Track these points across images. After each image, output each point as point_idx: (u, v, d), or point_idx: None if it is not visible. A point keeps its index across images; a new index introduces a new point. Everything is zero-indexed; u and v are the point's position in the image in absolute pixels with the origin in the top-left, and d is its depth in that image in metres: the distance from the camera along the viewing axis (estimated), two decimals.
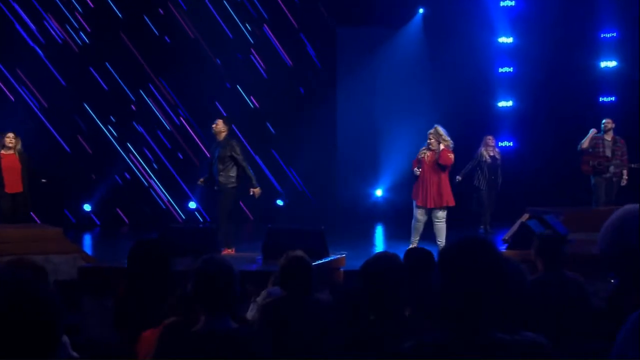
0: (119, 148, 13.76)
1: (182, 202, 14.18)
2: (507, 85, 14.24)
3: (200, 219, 13.92)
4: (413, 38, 14.55)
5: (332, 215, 13.31)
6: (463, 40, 13.78)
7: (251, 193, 9.35)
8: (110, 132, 13.71)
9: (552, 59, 13.43)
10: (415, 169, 9.40)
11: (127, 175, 13.82)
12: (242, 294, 4.16)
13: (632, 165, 11.11)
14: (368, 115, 14.43)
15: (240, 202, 14.07)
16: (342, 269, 7.64)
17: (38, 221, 11.56)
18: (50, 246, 7.97)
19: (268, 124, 14.29)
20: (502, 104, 14.32)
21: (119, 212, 13.65)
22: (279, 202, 14.59)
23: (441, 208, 9.28)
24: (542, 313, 4.12)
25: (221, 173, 9.23)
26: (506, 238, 9.38)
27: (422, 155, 9.39)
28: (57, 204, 13.14)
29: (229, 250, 8.97)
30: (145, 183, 13.88)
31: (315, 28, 14.34)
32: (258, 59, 14.12)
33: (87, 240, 12.40)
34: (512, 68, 14.24)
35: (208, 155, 9.75)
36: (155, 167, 13.95)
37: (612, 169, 11.07)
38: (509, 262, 2.31)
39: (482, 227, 11.87)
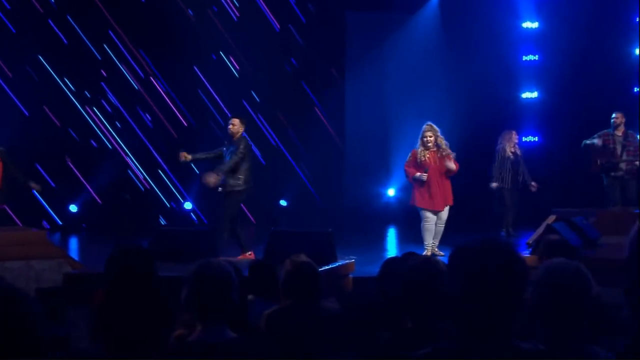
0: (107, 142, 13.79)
1: (175, 203, 14.20)
2: (531, 74, 14.21)
3: (196, 220, 13.94)
4: (428, 23, 14.52)
5: (340, 216, 13.30)
6: (483, 26, 13.75)
7: (208, 177, 9.29)
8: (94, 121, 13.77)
9: (582, 46, 13.38)
10: (420, 174, 9.49)
11: (117, 173, 13.85)
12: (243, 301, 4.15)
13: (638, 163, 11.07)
14: (379, 108, 14.41)
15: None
16: (351, 276, 7.63)
17: (19, 223, 11.59)
18: (33, 250, 7.96)
19: (264, 120, 14.27)
20: (526, 95, 14.29)
21: (107, 213, 13.68)
22: (283, 203, 14.60)
23: (446, 209, 9.61)
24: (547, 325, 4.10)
25: (229, 175, 9.29)
26: (530, 242, 9.35)
27: (424, 158, 9.50)
28: (41, 204, 13.17)
29: (247, 254, 9.02)
30: (141, 185, 13.89)
31: (323, 12, 14.33)
32: (256, 45, 14.10)
33: (74, 244, 12.43)
34: (537, 56, 14.20)
35: (213, 150, 9.74)
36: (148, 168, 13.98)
37: (622, 165, 11.07)
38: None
39: (504, 229, 11.84)
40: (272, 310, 4.19)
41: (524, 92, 14.28)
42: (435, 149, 9.54)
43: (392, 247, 11.99)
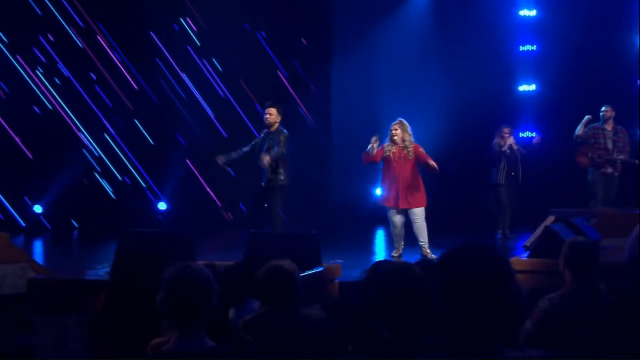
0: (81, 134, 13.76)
1: (149, 202, 14.17)
2: (529, 66, 14.28)
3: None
4: (420, 11, 14.57)
5: (326, 217, 13.32)
6: (478, 14, 13.81)
7: (263, 158, 9.41)
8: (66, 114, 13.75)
9: (583, 36, 13.46)
10: (371, 146, 9.73)
11: (85, 171, 13.80)
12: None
13: (637, 161, 11.26)
14: (368, 100, 14.43)
15: (219, 203, 14.12)
16: (337, 281, 7.65)
17: None
18: None
19: (242, 113, 14.26)
20: (523, 88, 14.36)
21: (74, 214, 13.65)
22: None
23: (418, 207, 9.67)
24: (572, 332, 4.14)
25: (271, 168, 9.43)
26: (528, 244, 9.40)
27: (389, 153, 9.68)
28: (3, 204, 13.11)
29: None
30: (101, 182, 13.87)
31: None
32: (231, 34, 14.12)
33: (38, 247, 12.38)
34: (535, 46, 14.27)
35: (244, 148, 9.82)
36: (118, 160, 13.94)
37: (610, 169, 11.32)
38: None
39: (499, 231, 11.89)
40: (249, 317, 4.20)
41: (521, 84, 14.35)
42: (402, 145, 9.68)
43: (380, 250, 12.01)
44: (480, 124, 13.10)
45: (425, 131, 13.03)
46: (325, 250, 7.90)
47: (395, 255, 9.71)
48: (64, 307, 6.21)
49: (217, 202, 14.16)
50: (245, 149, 9.80)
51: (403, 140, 9.70)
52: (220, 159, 9.78)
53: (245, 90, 14.08)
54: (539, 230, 9.00)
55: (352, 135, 14.40)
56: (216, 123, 14.14)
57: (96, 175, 13.87)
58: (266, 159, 9.37)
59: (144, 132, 13.97)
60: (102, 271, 7.10)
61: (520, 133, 13.77)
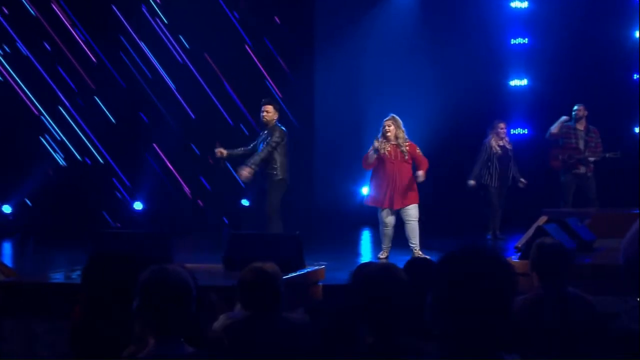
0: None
1: (122, 202, 14.13)
2: (521, 60, 14.32)
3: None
4: (408, 1, 14.59)
5: (309, 217, 13.32)
6: (467, 6, 13.85)
7: (241, 170, 9.59)
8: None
9: (577, 28, 13.52)
10: (371, 148, 9.67)
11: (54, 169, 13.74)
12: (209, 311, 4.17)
13: (607, 155, 11.45)
14: (352, 96, 14.44)
15: (199, 201, 14.09)
16: (320, 284, 7.65)
17: None
18: None
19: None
20: (514, 82, 14.41)
21: (45, 214, 13.58)
22: (244, 202, 14.58)
23: (412, 205, 9.71)
24: (536, 337, 4.15)
25: (270, 165, 9.55)
26: (519, 245, 9.46)
27: (384, 151, 9.67)
28: None
29: None
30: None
31: None
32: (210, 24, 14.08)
33: (7, 250, 12.31)
34: (527, 39, 14.32)
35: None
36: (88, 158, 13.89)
37: (582, 169, 11.50)
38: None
39: (490, 232, 11.93)
40: (228, 322, 4.20)
41: (512, 79, 14.40)
42: (395, 143, 9.71)
43: (366, 252, 12.03)
44: (470, 120, 13.15)
45: (413, 128, 13.04)
46: (308, 252, 7.91)
47: (383, 257, 9.74)
48: (33, 312, 6.18)
49: (185, 187, 14.08)
50: (249, 148, 9.86)
51: (396, 138, 9.72)
52: (220, 151, 9.80)
53: (215, 69, 14.03)
54: (530, 231, 9.06)
55: (336, 132, 14.43)
56: (184, 104, 14.06)
57: (60, 160, 13.75)
58: (244, 173, 9.53)
59: (106, 111, 13.86)
60: (75, 274, 7.08)
61: (512, 130, 13.81)
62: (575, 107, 11.74)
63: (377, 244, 12.60)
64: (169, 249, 7.95)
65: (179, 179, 14.14)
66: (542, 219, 9.43)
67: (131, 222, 13.75)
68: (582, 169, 11.64)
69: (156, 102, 13.91)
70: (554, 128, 11.75)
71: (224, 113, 14.12)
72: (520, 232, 10.48)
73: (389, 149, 9.70)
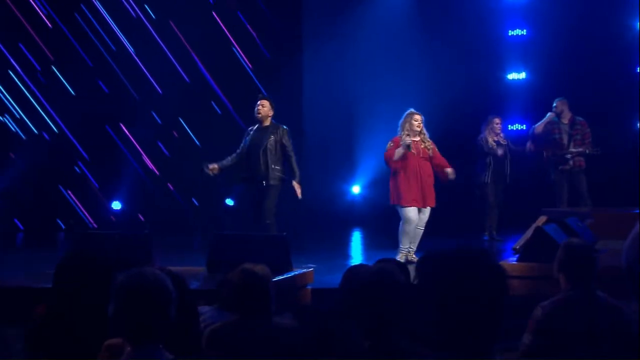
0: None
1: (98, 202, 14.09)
2: (518, 52, 14.34)
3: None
4: None
5: (297, 218, 13.30)
6: None
7: (296, 189, 9.90)
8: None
9: (576, 19, 13.54)
10: (403, 142, 9.63)
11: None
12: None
13: (587, 151, 11.48)
14: (342, 92, 14.43)
15: (192, 201, 14.06)
16: (309, 287, 7.66)
17: None
18: None
19: (213, 103, 14.23)
20: (512, 76, 14.43)
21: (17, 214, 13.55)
22: (229, 202, 14.56)
23: (427, 210, 9.83)
24: (566, 340, 4.16)
25: (271, 166, 9.55)
26: (517, 247, 9.47)
27: (414, 149, 9.66)
28: None
29: None
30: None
31: None
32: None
33: None
34: (525, 30, 14.34)
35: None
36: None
37: (568, 165, 11.53)
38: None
39: (486, 233, 11.95)
40: (215, 326, 4.20)
41: (510, 72, 14.42)
42: (418, 139, 9.78)
43: (357, 254, 12.03)
44: (465, 115, 13.14)
45: None
46: (296, 254, 7.90)
47: (412, 259, 9.65)
48: (4, 318, 6.15)
49: (154, 169, 14.04)
50: (237, 155, 9.81)
51: (420, 134, 9.81)
52: (213, 167, 9.73)
53: (197, 61, 14.01)
54: (529, 232, 9.07)
55: (325, 128, 14.42)
56: (151, 79, 14.01)
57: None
58: (299, 191, 9.92)
59: (65, 83, 13.79)
60: (44, 277, 7.05)
61: (509, 125, 13.83)
62: (554, 103, 11.80)
63: (368, 245, 12.62)
64: (149, 250, 7.94)
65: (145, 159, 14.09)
66: (542, 219, 9.43)
67: (109, 223, 13.73)
68: (568, 165, 11.66)
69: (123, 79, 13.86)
70: (539, 125, 11.79)
71: (215, 107, 14.10)
72: (518, 233, 10.48)
73: (412, 144, 9.74)
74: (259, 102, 9.78)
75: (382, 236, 12.59)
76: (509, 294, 2.16)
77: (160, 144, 13.99)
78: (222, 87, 14.13)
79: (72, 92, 13.76)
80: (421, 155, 9.78)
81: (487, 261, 2.16)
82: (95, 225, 13.76)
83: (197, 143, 13.81)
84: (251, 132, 9.80)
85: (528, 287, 6.87)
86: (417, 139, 9.79)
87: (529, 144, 11.93)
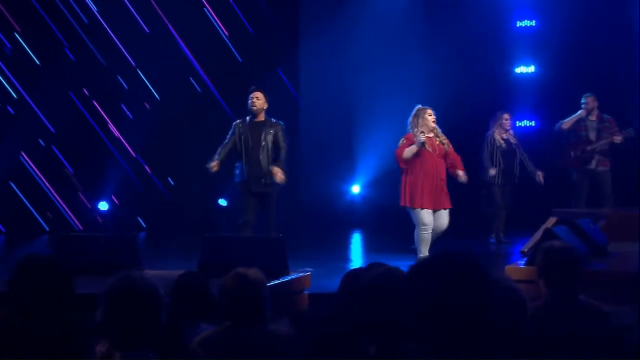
0: None
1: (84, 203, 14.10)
2: (527, 44, 14.34)
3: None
4: None
5: (294, 219, 13.31)
6: None
7: (277, 174, 9.68)
8: None
9: (589, 9, 13.54)
10: (415, 137, 9.56)
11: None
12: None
13: (618, 140, 11.45)
14: (341, 87, 14.44)
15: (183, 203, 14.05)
16: (306, 292, 7.66)
17: None
18: None
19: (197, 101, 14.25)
20: (520, 70, 14.43)
21: None
22: (222, 202, 14.57)
23: (446, 212, 9.71)
24: (543, 350, 4.17)
25: (272, 165, 9.63)
26: (525, 250, 9.47)
27: (429, 147, 9.58)
28: None
29: None
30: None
31: None
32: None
33: None
34: (534, 21, 14.34)
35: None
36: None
37: (594, 163, 11.53)
38: (502, 283, 2.49)
39: (493, 235, 11.96)
40: (206, 333, 4.20)
41: (518, 66, 14.42)
42: (433, 136, 9.75)
43: (356, 257, 12.04)
44: (471, 111, 13.14)
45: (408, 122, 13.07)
46: (292, 257, 7.91)
47: None
48: None
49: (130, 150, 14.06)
50: (229, 144, 9.81)
51: (433, 129, 9.76)
52: (214, 164, 9.75)
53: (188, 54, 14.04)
54: (538, 234, 9.07)
55: (323, 126, 14.42)
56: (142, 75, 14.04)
57: None
58: (281, 177, 9.66)
59: (29, 52, 13.79)
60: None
61: (518, 122, 13.83)
62: (583, 99, 11.76)
63: (368, 248, 12.62)
64: (137, 253, 7.95)
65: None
66: (551, 221, 9.44)
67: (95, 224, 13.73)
68: (593, 164, 11.66)
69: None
70: (567, 121, 11.74)
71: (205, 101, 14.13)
72: (526, 235, 10.48)
73: (427, 141, 9.68)
74: (252, 95, 9.75)
75: (383, 238, 12.62)
76: (494, 294, 2.19)
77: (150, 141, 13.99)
78: (214, 80, 14.13)
79: (37, 63, 13.71)
80: (436, 153, 9.70)
81: (468, 263, 2.18)
82: (80, 227, 13.77)
83: (192, 141, 13.77)
84: (242, 127, 9.75)
85: (536, 292, 6.87)
86: (431, 135, 9.75)
87: (539, 175, 11.85)
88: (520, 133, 12.85)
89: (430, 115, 9.74)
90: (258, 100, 9.72)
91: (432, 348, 2.16)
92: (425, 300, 2.18)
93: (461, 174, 9.80)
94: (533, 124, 14.27)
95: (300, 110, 14.70)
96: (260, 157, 9.66)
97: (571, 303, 4.57)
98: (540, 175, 11.84)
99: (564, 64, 13.83)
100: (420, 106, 9.91)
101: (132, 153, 14.03)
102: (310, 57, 14.57)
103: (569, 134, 11.78)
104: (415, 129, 9.68)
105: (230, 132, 9.85)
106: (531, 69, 14.42)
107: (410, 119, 9.83)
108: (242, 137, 9.73)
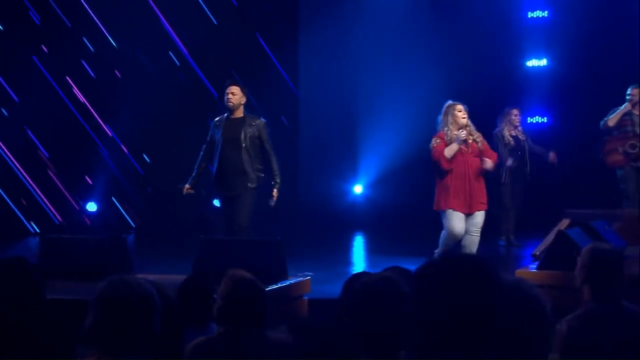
0: None
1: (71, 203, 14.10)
2: (539, 36, 14.34)
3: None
4: None
5: (293, 220, 13.32)
6: None
7: (274, 195, 9.54)
8: None
9: None
10: (456, 135, 9.40)
11: None
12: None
13: None
14: (342, 81, 14.43)
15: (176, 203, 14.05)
16: (306, 297, 7.67)
17: None
18: None
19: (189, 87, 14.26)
20: (532, 63, 14.43)
21: None
22: (217, 203, 14.56)
23: (481, 214, 9.54)
24: (595, 357, 4.16)
25: (249, 167, 9.31)
26: (537, 253, 9.49)
27: (463, 148, 9.42)
28: None
29: None
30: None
31: None
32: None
33: None
34: (546, 12, 14.33)
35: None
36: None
37: None
38: (520, 287, 2.49)
39: (502, 237, 11.95)
40: (199, 340, 4.20)
41: (530, 59, 14.42)
42: (475, 139, 9.55)
43: (359, 260, 12.05)
44: (481, 108, 13.06)
45: (413, 118, 13.07)
46: (291, 260, 7.92)
47: None
48: None
49: (109, 131, 14.05)
50: (204, 162, 9.58)
51: (467, 126, 9.54)
52: (187, 188, 9.53)
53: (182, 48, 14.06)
54: (550, 237, 9.09)
55: (323, 122, 14.42)
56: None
57: None
58: (276, 193, 9.53)
59: None
60: None
61: (529, 118, 13.83)
62: (629, 91, 11.57)
63: (372, 251, 12.62)
64: (127, 256, 7.96)
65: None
66: (564, 222, 9.45)
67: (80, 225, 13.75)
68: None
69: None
70: (613, 117, 11.55)
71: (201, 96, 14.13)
72: (538, 238, 10.50)
73: (466, 143, 9.48)
74: (227, 90, 9.42)
75: (387, 241, 12.61)
76: (502, 298, 2.21)
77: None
78: (208, 75, 14.14)
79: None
80: (470, 152, 9.49)
81: (474, 264, 2.20)
82: (60, 218, 13.79)
83: (190, 140, 13.75)
84: (219, 126, 9.47)
85: (549, 298, 6.87)
86: (474, 137, 9.55)
87: (552, 155, 11.83)
88: (532, 130, 12.81)
89: (460, 112, 9.51)
90: (234, 95, 9.36)
91: (435, 352, 2.17)
92: (430, 303, 2.19)
93: (490, 161, 9.51)
94: (545, 121, 14.26)
95: (299, 105, 14.69)
96: (236, 159, 9.32)
97: (618, 310, 4.55)
98: (552, 156, 11.80)
99: (578, 56, 13.80)
100: (450, 102, 9.67)
101: (117, 141, 14.04)
102: (310, 48, 14.56)
103: (614, 131, 11.58)
104: (446, 128, 9.48)
105: (208, 135, 9.58)
106: (543, 62, 14.41)
107: (441, 116, 9.59)
108: (218, 137, 9.41)
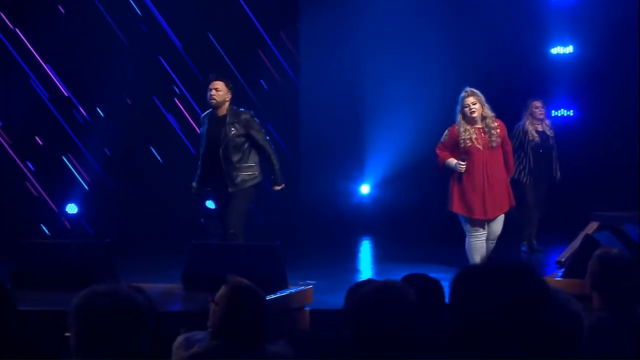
0: None
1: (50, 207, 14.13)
2: (565, 21, 14.34)
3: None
4: None
5: (294, 223, 13.34)
6: None
7: (275, 189, 9.77)
8: None
9: None
10: (457, 162, 9.31)
11: None
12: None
13: None
14: (348, 72, 14.43)
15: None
16: (307, 308, 7.69)
17: None
18: None
19: (186, 90, 14.27)
20: (557, 50, 14.43)
21: None
22: (210, 205, 14.56)
23: (499, 219, 9.49)
24: None
25: (236, 167, 9.40)
26: (562, 259, 9.50)
27: (470, 142, 9.29)
28: None
29: None
30: None
31: None
32: None
33: None
34: None
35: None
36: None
37: None
38: (557, 296, 2.49)
39: (524, 242, 11.95)
40: (192, 352, 4.22)
41: (555, 46, 14.42)
42: (482, 126, 9.36)
43: (365, 267, 12.06)
44: (501, 100, 13.08)
45: (427, 112, 13.07)
46: (291, 267, 7.94)
47: None
48: None
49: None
50: (202, 153, 9.70)
51: (484, 118, 9.35)
52: (194, 187, 9.84)
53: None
54: (577, 242, 9.10)
55: (327, 117, 14.42)
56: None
57: None
58: (279, 188, 9.75)
59: None
60: None
61: (554, 111, 13.82)
62: None
63: (379, 257, 12.63)
64: (111, 263, 7.97)
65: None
66: (592, 226, 9.47)
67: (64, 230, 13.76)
68: None
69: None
70: None
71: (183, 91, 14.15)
72: (563, 243, 10.52)
73: (474, 135, 9.31)
74: (211, 85, 9.49)
75: (396, 245, 12.62)
76: (553, 309, 2.19)
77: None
78: (197, 65, 14.18)
79: None
80: (487, 147, 9.32)
81: (522, 272, 2.19)
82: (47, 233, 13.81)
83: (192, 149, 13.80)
84: (204, 123, 9.62)
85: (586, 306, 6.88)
86: (480, 125, 9.36)
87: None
88: (557, 124, 12.73)
89: (467, 107, 9.31)
90: (218, 92, 9.44)
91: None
92: (470, 315, 2.18)
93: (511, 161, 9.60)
94: (571, 114, 14.25)
95: (300, 98, 14.69)
96: (221, 160, 9.45)
97: (631, 319, 4.58)
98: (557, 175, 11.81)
99: (607, 43, 13.78)
100: (465, 90, 9.52)
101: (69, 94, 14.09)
102: (311, 36, 14.56)
103: None
104: (459, 123, 9.38)
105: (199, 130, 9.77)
106: (569, 49, 14.40)
107: (458, 106, 9.44)
108: (204, 136, 9.58)
